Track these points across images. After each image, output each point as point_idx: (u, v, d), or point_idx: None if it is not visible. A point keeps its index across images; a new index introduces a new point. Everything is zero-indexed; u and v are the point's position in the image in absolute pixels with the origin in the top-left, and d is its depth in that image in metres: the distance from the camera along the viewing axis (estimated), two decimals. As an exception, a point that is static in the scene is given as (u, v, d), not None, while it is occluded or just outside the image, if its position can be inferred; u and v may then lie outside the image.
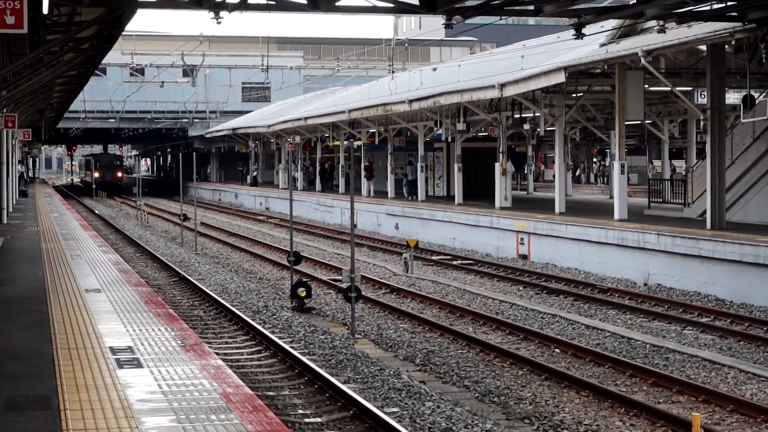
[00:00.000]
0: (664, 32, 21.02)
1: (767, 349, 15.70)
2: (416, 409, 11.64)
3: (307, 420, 11.27)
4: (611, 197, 33.08)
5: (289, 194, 22.85)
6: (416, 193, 39.92)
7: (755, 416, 11.76)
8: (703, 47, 24.30)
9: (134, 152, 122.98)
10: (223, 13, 15.95)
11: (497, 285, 23.53)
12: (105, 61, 32.11)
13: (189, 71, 62.86)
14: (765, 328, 17.14)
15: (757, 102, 24.45)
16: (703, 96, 23.95)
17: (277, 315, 18.66)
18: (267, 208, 54.20)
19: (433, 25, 69.19)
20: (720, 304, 19.69)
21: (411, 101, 35.29)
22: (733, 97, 24.54)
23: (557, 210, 29.63)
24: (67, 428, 7.28)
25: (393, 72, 52.17)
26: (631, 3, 19.44)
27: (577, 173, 62.75)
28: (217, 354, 12.15)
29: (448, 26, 17.35)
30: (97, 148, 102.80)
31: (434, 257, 28.85)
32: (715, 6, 18.86)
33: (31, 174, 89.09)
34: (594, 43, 26.16)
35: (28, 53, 19.81)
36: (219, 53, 74.82)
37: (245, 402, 8.08)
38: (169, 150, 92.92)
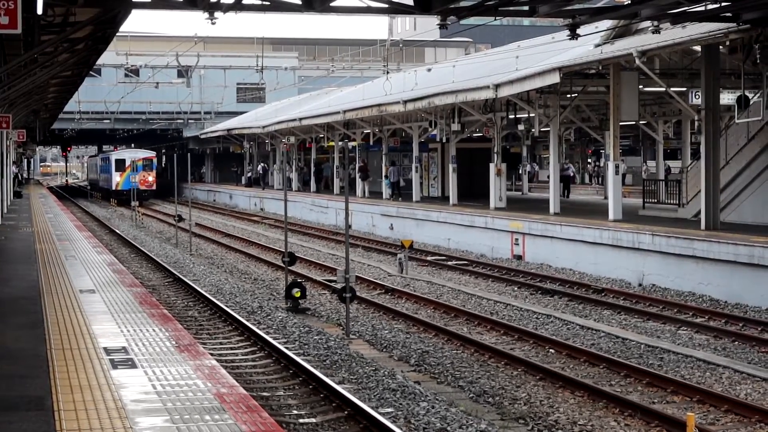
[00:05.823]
0: (659, 33, 21.05)
1: (762, 350, 15.72)
2: (411, 409, 11.64)
3: (301, 420, 11.26)
4: (606, 198, 33.11)
5: (284, 195, 22.84)
6: (398, 193, 40.39)
7: (750, 416, 11.77)
8: (698, 48, 24.34)
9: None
10: (217, 14, 15.97)
11: (492, 285, 23.53)
12: (99, 61, 32.13)
13: (184, 72, 62.74)
14: (759, 329, 17.16)
15: (751, 102, 24.50)
16: (697, 96, 23.97)
17: (272, 315, 18.64)
18: (262, 209, 54.19)
19: (427, 26, 69.22)
20: (714, 304, 19.72)
21: (406, 102, 35.29)
22: (727, 98, 24.58)
23: (552, 210, 29.67)
24: (61, 429, 7.27)
25: (388, 73, 52.09)
26: (625, 3, 19.47)
27: (572, 174, 62.74)
28: (212, 354, 12.14)
29: (442, 27, 17.38)
30: (92, 149, 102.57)
31: (429, 258, 28.84)
32: (710, 6, 18.88)
33: (25, 175, 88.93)
34: (588, 44, 26.20)
35: (22, 54, 19.76)
36: (214, 54, 74.74)
37: (239, 402, 8.07)
38: (163, 151, 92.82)
